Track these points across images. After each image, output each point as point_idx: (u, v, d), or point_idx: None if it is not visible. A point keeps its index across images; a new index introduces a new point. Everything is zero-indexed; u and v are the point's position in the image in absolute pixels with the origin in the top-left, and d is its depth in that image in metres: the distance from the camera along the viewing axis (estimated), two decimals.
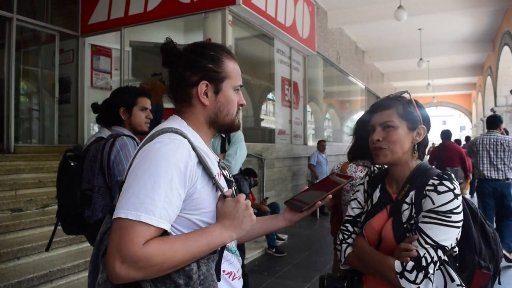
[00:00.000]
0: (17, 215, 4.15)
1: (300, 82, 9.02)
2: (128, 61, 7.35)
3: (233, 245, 1.17)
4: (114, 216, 0.92)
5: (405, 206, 1.30)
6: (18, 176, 5.00)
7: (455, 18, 10.63)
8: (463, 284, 1.24)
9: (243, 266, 3.02)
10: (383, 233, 1.32)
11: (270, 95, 9.81)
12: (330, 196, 1.27)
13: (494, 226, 5.20)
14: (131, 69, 7.56)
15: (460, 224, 1.22)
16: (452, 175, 1.27)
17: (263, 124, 10.51)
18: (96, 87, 7.50)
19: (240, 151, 3.22)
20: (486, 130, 5.08)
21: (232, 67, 1.15)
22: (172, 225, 0.97)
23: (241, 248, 3.20)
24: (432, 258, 1.18)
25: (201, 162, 1.02)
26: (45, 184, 4.98)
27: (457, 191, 1.23)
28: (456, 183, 1.25)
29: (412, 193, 1.30)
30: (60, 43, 7.22)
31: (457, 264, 1.30)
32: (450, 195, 1.22)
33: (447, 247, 1.20)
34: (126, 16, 6.65)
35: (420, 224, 1.23)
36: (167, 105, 6.78)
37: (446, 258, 1.24)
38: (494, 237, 1.36)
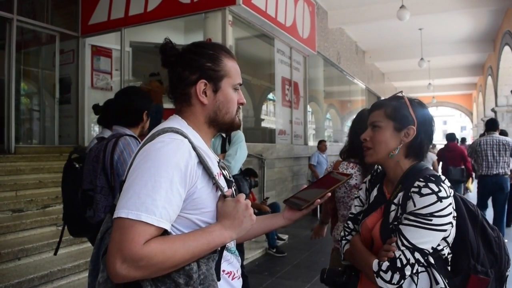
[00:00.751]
0: (18, 216, 4.16)
1: (301, 82, 9.02)
2: (128, 62, 7.35)
3: (232, 245, 1.17)
4: (115, 216, 0.92)
5: (393, 206, 1.30)
6: (19, 176, 5.00)
7: (455, 18, 10.62)
8: None
9: (242, 267, 3.02)
10: (373, 233, 1.33)
11: (270, 95, 9.82)
12: (329, 194, 1.27)
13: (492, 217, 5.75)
14: (132, 69, 7.56)
15: (445, 227, 1.20)
16: (442, 177, 1.25)
17: (263, 124, 10.52)
18: (96, 87, 7.50)
19: (241, 151, 3.22)
20: (485, 132, 5.87)
21: (231, 66, 1.15)
22: (172, 225, 0.98)
23: (240, 249, 3.19)
24: (408, 260, 1.17)
25: (202, 162, 1.02)
26: (46, 184, 4.99)
27: (443, 193, 1.20)
28: (445, 185, 1.23)
29: (400, 194, 1.29)
30: (61, 43, 7.22)
31: (450, 268, 1.28)
32: (432, 198, 1.19)
33: (426, 250, 1.19)
34: (126, 16, 6.66)
35: (400, 226, 1.23)
36: (167, 105, 6.78)
37: (432, 261, 1.23)
38: (498, 241, 1.32)
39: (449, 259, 1.28)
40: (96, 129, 7.28)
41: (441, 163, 7.75)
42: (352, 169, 2.15)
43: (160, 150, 0.97)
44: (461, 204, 1.32)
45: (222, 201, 1.05)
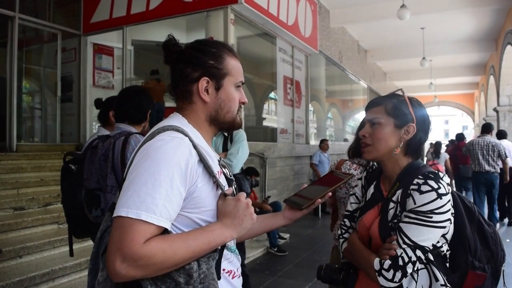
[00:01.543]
0: (19, 214, 4.17)
1: (302, 81, 9.01)
2: (130, 60, 7.36)
3: (232, 243, 1.17)
4: (115, 214, 0.91)
5: (391, 204, 1.29)
6: (20, 174, 5.01)
7: (458, 17, 10.59)
8: (448, 284, 1.22)
9: (243, 266, 3.02)
10: (371, 231, 1.32)
11: (272, 94, 9.82)
12: (330, 193, 1.27)
13: (487, 211, 6.45)
14: (133, 68, 7.57)
15: (445, 224, 1.20)
16: (441, 174, 1.25)
17: (265, 123, 10.52)
18: (98, 85, 7.51)
19: (242, 150, 3.21)
20: (480, 134, 6.92)
21: (233, 64, 1.14)
22: (172, 224, 0.97)
23: (241, 248, 3.19)
24: (409, 258, 1.17)
25: (202, 160, 1.02)
26: (47, 182, 5.00)
27: (442, 190, 1.20)
28: (444, 182, 1.22)
29: (399, 192, 1.28)
30: (62, 41, 7.23)
31: (448, 264, 1.28)
32: (432, 195, 1.19)
33: (427, 247, 1.19)
34: (128, 15, 6.66)
35: (400, 224, 1.22)
36: (169, 104, 6.78)
37: (432, 258, 1.23)
38: (494, 237, 1.33)
39: (448, 256, 1.28)
40: (97, 127, 7.28)
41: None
42: (355, 170, 2.13)
43: (160, 148, 0.96)
44: (458, 201, 1.33)
45: (222, 200, 1.04)
